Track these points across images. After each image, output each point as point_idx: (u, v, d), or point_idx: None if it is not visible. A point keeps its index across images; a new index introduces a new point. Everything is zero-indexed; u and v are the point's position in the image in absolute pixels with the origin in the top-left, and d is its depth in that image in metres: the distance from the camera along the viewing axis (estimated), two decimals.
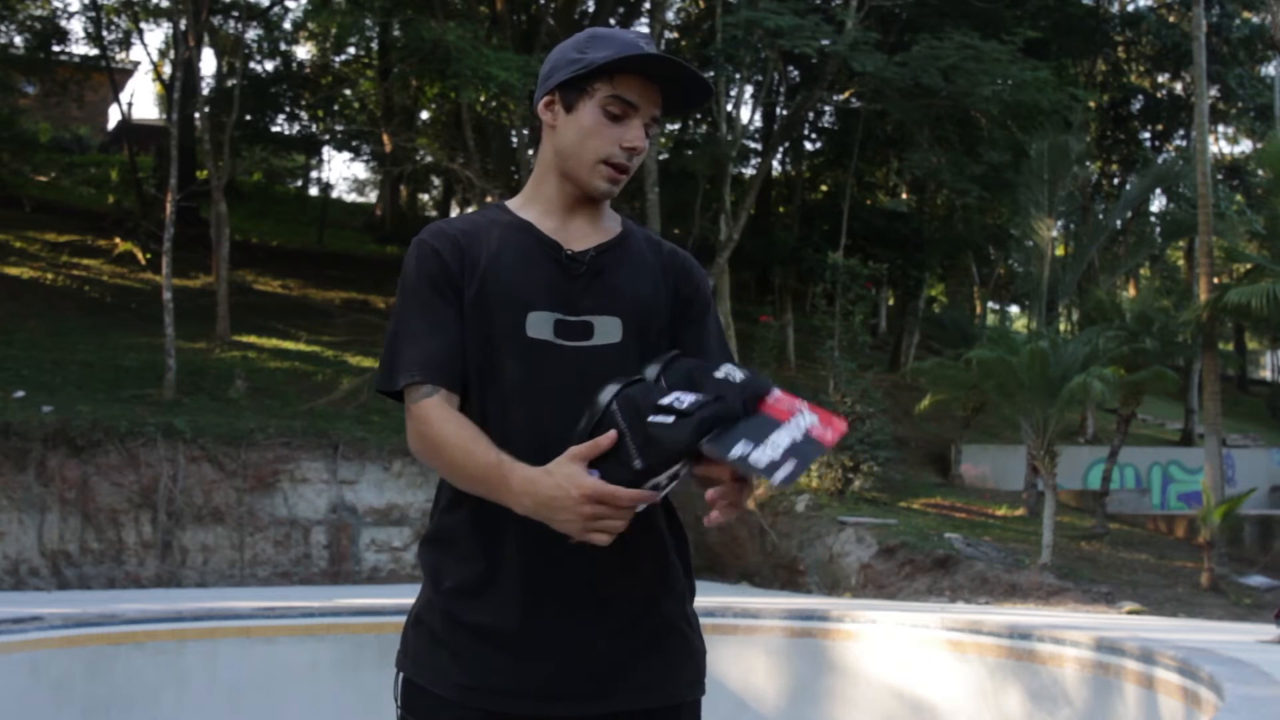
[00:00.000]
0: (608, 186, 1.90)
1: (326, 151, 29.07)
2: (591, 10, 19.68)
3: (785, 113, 22.12)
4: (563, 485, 1.66)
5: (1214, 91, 22.77)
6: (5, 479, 10.84)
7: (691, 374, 1.75)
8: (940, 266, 23.52)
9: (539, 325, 1.84)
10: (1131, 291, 26.53)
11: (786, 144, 23.24)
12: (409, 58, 18.03)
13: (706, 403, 1.68)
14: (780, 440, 1.67)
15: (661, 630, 1.88)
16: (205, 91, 19.26)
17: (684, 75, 1.88)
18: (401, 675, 1.91)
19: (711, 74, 18.04)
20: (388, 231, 26.46)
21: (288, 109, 23.31)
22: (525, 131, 17.39)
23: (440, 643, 1.86)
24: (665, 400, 1.68)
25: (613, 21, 20.77)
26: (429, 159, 23.93)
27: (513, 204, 1.99)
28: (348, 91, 24.64)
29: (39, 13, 21.22)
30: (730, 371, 1.75)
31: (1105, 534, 13.59)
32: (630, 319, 1.88)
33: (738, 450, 1.65)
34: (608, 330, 1.86)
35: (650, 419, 1.66)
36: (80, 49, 22.38)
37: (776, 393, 1.76)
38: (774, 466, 1.64)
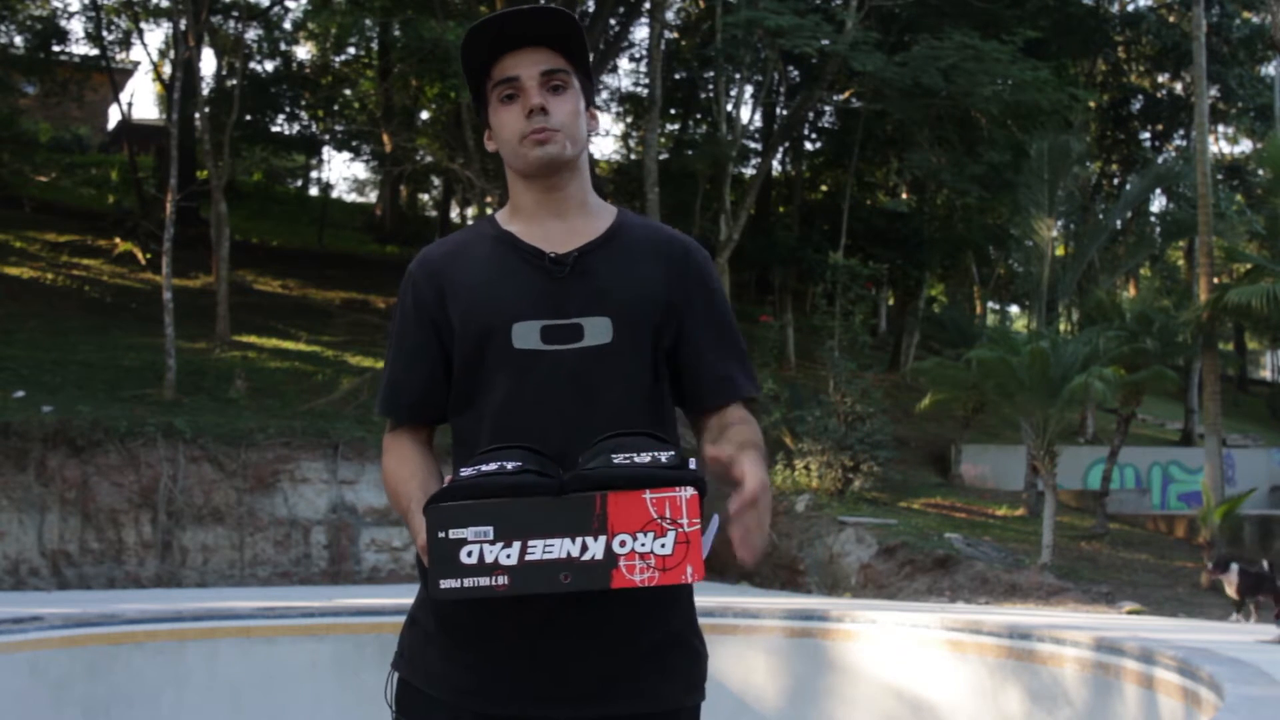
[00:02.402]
0: (539, 151, 1.87)
1: (326, 151, 29.09)
2: (592, 10, 19.67)
3: (785, 113, 22.12)
4: (419, 535, 1.68)
5: (1214, 91, 22.76)
6: (5, 479, 10.84)
7: (597, 454, 1.66)
8: (940, 266, 23.53)
9: (525, 335, 1.84)
10: (1131, 291, 26.53)
11: (786, 144, 23.23)
12: (409, 58, 18.06)
13: (483, 474, 1.62)
14: (541, 547, 1.55)
15: (665, 641, 1.86)
16: (205, 91, 19.26)
17: (526, 21, 1.86)
18: (396, 675, 1.91)
19: (711, 73, 18.06)
20: (388, 231, 26.48)
21: (288, 109, 23.31)
22: None
23: (434, 644, 1.85)
24: (465, 470, 1.65)
25: (612, 22, 20.78)
26: (429, 159, 23.92)
27: (500, 216, 1.99)
28: (348, 91, 24.64)
29: (39, 13, 21.22)
30: (636, 457, 1.63)
31: (1105, 534, 13.59)
32: (621, 318, 1.86)
33: (454, 532, 1.55)
34: (598, 331, 1.84)
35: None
36: (80, 49, 22.39)
37: (648, 494, 1.57)
38: (472, 571, 1.54)
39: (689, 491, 1.58)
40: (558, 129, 1.87)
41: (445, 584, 1.56)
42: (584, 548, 1.56)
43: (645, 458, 1.63)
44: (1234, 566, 8.90)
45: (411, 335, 1.93)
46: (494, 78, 1.89)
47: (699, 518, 1.59)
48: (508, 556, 1.56)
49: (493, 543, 1.56)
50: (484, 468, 1.64)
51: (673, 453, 1.66)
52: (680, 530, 1.57)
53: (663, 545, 1.56)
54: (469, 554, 1.56)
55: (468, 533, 1.56)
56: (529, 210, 1.94)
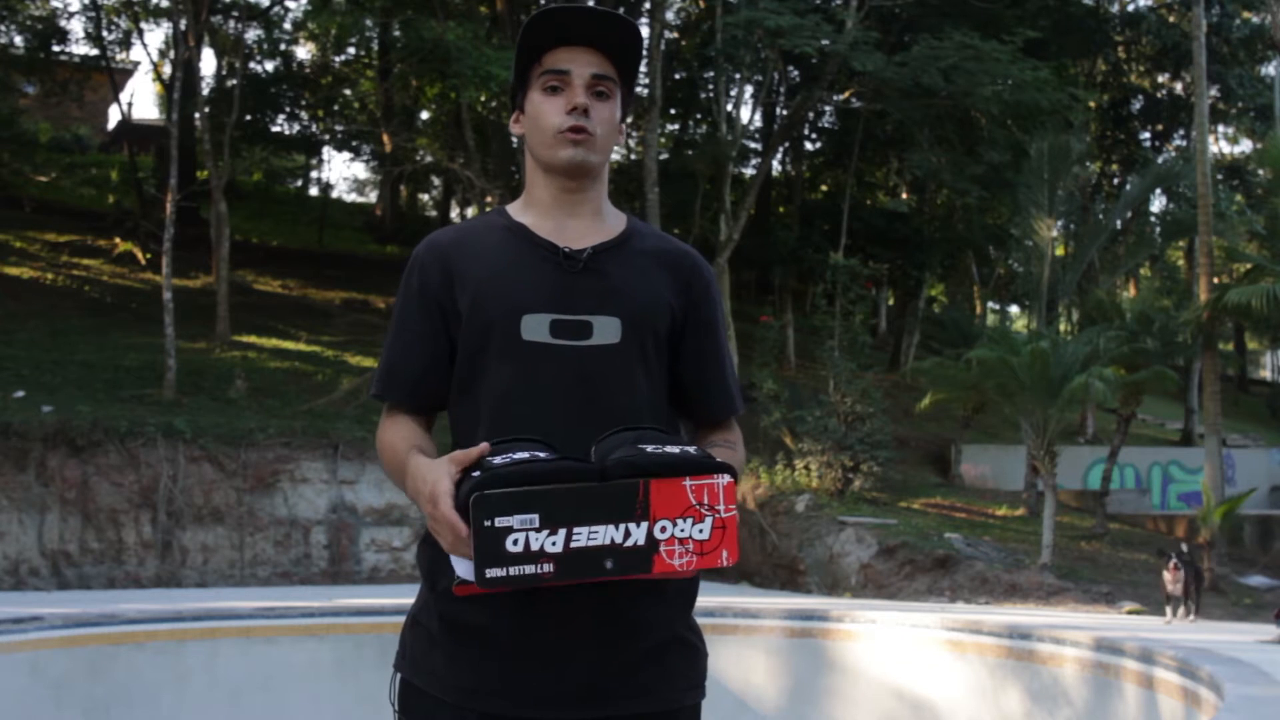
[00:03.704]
0: (571, 151, 1.89)
1: (326, 151, 29.07)
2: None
3: (785, 113, 22.12)
4: (427, 479, 1.68)
5: (1214, 91, 22.77)
6: (5, 479, 10.84)
7: (620, 444, 1.68)
8: (940, 266, 23.52)
9: (534, 328, 1.84)
10: (1131, 291, 26.53)
11: (786, 144, 23.24)
12: (409, 58, 18.04)
13: (520, 461, 1.61)
14: (586, 534, 1.56)
15: (666, 640, 1.86)
16: (205, 91, 19.26)
17: (593, 21, 1.88)
18: (398, 676, 1.91)
19: (711, 73, 18.07)
20: (388, 231, 26.47)
21: (288, 109, 23.30)
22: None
23: (436, 644, 1.85)
24: (495, 459, 1.64)
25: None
26: (429, 159, 23.92)
27: (512, 209, 1.99)
28: (348, 91, 24.63)
29: (39, 13, 21.22)
30: (667, 447, 1.66)
31: (1105, 534, 13.59)
32: (630, 319, 1.86)
33: (500, 520, 1.56)
34: (606, 330, 1.85)
35: (471, 472, 1.65)
36: (80, 49, 22.39)
37: (687, 481, 1.61)
38: (519, 560, 1.55)
39: (725, 479, 1.64)
40: (593, 134, 1.89)
41: (491, 573, 1.56)
42: (627, 534, 1.60)
43: (676, 449, 1.67)
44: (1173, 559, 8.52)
45: (415, 318, 1.92)
46: (544, 65, 1.90)
47: (734, 504, 1.65)
48: (553, 544, 1.57)
49: (538, 530, 1.57)
50: (516, 455, 1.64)
51: (695, 447, 1.71)
52: (717, 516, 1.62)
53: (701, 530, 1.62)
54: (515, 542, 1.57)
55: (514, 520, 1.57)
56: (544, 204, 1.95)
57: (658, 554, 1.60)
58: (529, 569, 1.57)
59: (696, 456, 1.66)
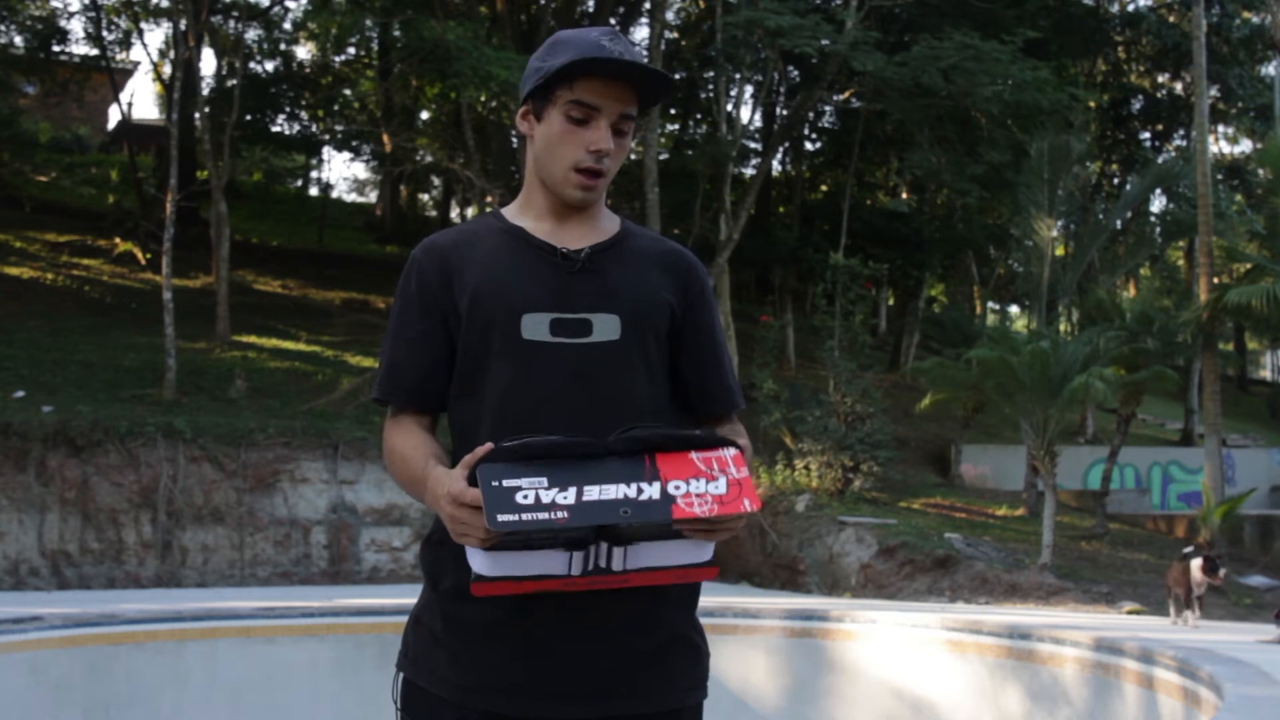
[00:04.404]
0: (582, 195, 1.90)
1: (326, 151, 29.09)
2: (592, 10, 19.67)
3: (785, 113, 22.13)
4: (443, 483, 1.67)
5: (1214, 91, 22.76)
6: (5, 479, 10.84)
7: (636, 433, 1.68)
8: (940, 266, 23.53)
9: (534, 327, 1.85)
10: (1131, 291, 26.53)
11: (786, 144, 23.24)
12: (409, 58, 18.04)
13: (528, 441, 1.62)
14: (598, 491, 1.55)
15: (668, 641, 1.87)
16: (205, 91, 19.26)
17: (637, 71, 1.87)
18: (401, 675, 1.92)
19: (711, 73, 18.06)
20: (388, 231, 26.48)
21: (288, 109, 23.30)
22: None
23: (439, 643, 1.85)
24: (509, 443, 1.63)
25: (613, 21, 20.78)
26: (429, 159, 23.93)
27: (508, 211, 2.00)
28: (348, 91, 24.63)
29: (39, 13, 21.21)
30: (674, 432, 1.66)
31: (1105, 534, 13.59)
32: (629, 317, 1.88)
33: (508, 481, 1.55)
34: (606, 328, 1.86)
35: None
36: (80, 49, 22.37)
37: (694, 454, 1.62)
38: (531, 509, 1.53)
39: (732, 450, 1.64)
40: (605, 174, 1.90)
41: (503, 518, 1.53)
42: (640, 490, 1.58)
43: (681, 431, 1.68)
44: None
45: (414, 320, 1.92)
46: (576, 93, 1.86)
47: (746, 468, 1.63)
48: (564, 498, 1.56)
49: (548, 489, 1.56)
50: (528, 438, 1.65)
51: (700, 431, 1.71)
52: (730, 476, 1.61)
53: (716, 486, 1.60)
54: (525, 496, 1.56)
55: (522, 481, 1.57)
56: (541, 209, 1.96)
57: (675, 504, 1.57)
58: (541, 515, 1.54)
59: (702, 434, 1.67)
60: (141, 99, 45.36)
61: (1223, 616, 9.87)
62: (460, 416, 1.90)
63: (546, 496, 1.55)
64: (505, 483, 1.56)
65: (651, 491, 1.57)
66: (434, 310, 1.91)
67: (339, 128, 24.27)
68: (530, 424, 1.78)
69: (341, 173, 65.47)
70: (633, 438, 1.63)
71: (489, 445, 1.64)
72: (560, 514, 1.54)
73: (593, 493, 1.56)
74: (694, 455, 1.62)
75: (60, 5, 23.25)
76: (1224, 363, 20.66)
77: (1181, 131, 25.67)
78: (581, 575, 1.66)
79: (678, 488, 1.58)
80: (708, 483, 1.60)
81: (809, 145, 25.17)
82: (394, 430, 1.91)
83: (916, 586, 11.21)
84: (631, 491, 1.57)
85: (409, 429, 1.90)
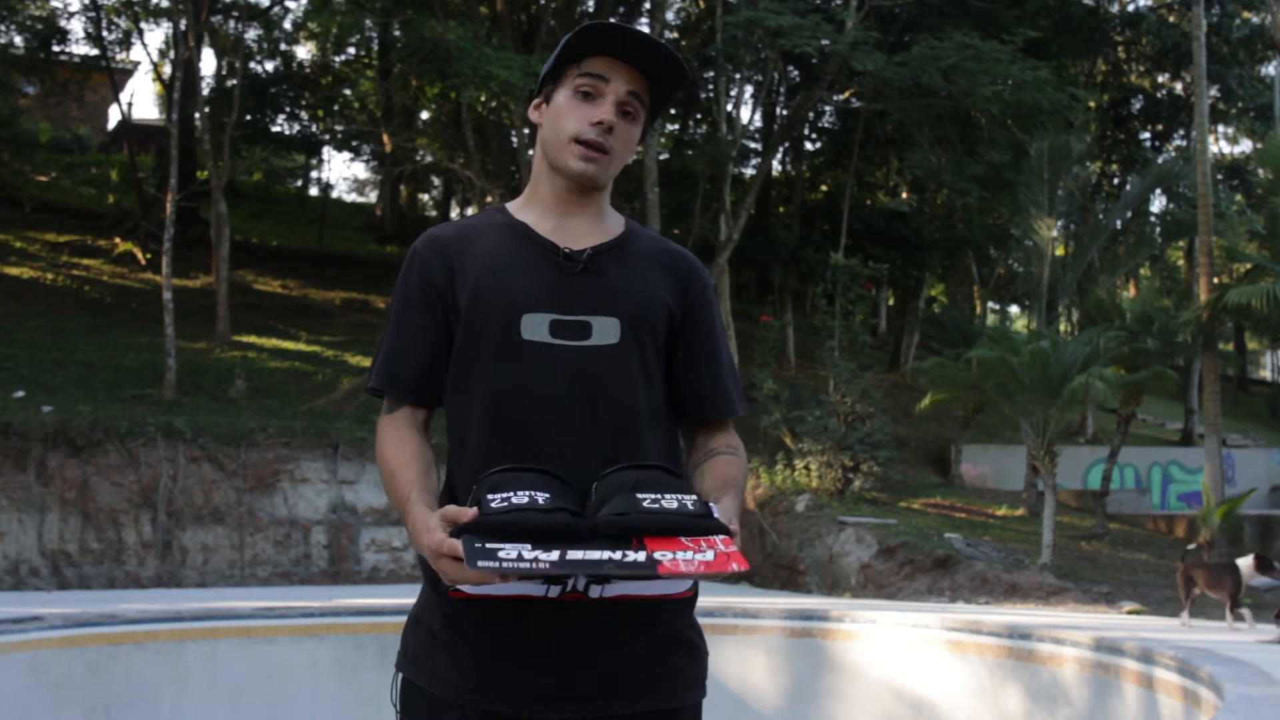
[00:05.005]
0: (582, 165, 1.89)
1: (326, 151, 29.09)
2: (591, 10, 19.66)
3: (785, 113, 22.12)
4: (424, 528, 1.68)
5: (1214, 91, 22.76)
6: (5, 479, 10.83)
7: (617, 489, 1.68)
8: (940, 266, 23.52)
9: (534, 327, 1.84)
10: (1131, 291, 26.52)
11: (786, 144, 23.24)
12: (409, 58, 18.03)
13: (511, 509, 1.61)
14: (583, 552, 1.57)
15: (668, 641, 1.87)
16: (205, 91, 19.26)
17: (647, 45, 1.88)
18: (401, 676, 1.91)
19: (711, 73, 18.05)
20: (388, 231, 26.48)
21: (288, 109, 23.30)
22: (525, 131, 17.38)
23: (439, 644, 1.85)
24: (493, 501, 1.63)
25: (612, 21, 20.77)
26: (429, 159, 23.93)
27: (512, 206, 1.99)
28: (348, 91, 24.63)
29: (39, 13, 21.21)
30: (663, 501, 1.66)
31: (1105, 534, 13.59)
32: (629, 320, 1.87)
33: (490, 545, 1.56)
34: (606, 331, 1.85)
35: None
36: (80, 49, 22.36)
37: (683, 539, 1.63)
38: (513, 561, 1.54)
39: (723, 535, 1.65)
40: (609, 152, 1.89)
41: (484, 564, 1.55)
42: (625, 555, 1.59)
43: (672, 502, 1.66)
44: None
45: (415, 312, 1.91)
46: (584, 67, 1.89)
47: (734, 544, 1.65)
48: (548, 557, 1.57)
49: (531, 550, 1.57)
50: (515, 499, 1.63)
51: (695, 497, 1.69)
52: (719, 551, 1.63)
53: (704, 555, 1.61)
54: (507, 553, 1.57)
55: (505, 545, 1.58)
56: (546, 202, 1.95)
57: (661, 564, 1.59)
58: (524, 565, 1.56)
59: (694, 515, 1.65)
60: (141, 99, 45.41)
61: (1223, 616, 9.86)
62: (456, 414, 1.89)
63: (529, 554, 1.56)
64: (488, 545, 1.57)
65: (637, 556, 1.59)
66: (435, 303, 1.90)
67: (339, 128, 24.27)
68: (525, 426, 1.78)
69: (341, 173, 65.47)
70: (620, 525, 1.62)
71: (473, 511, 1.62)
72: (542, 565, 1.56)
73: (576, 555, 1.58)
74: (683, 539, 1.63)
75: (60, 5, 23.27)
76: (1224, 363, 20.68)
77: (1181, 131, 25.67)
78: (559, 598, 1.72)
79: (664, 554, 1.60)
80: (695, 553, 1.61)
81: (809, 145, 25.17)
82: (388, 431, 1.89)
83: (916, 586, 11.21)
84: (617, 555, 1.59)
85: (402, 433, 1.88)
